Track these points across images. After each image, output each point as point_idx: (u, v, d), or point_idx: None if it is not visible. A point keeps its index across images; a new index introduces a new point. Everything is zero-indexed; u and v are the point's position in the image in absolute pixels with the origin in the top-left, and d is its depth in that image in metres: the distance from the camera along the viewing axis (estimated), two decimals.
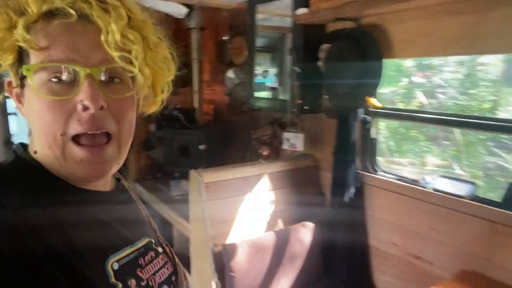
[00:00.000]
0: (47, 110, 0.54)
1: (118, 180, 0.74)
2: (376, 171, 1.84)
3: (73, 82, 0.54)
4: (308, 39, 1.88)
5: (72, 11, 0.53)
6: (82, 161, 0.56)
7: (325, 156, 1.96)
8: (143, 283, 0.62)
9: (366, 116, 1.80)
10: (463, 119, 1.59)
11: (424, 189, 1.60)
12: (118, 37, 0.53)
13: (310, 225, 1.87)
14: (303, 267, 1.78)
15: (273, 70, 2.56)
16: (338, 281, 1.79)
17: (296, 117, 1.96)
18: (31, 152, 0.60)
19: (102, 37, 0.53)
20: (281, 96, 2.17)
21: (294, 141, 1.95)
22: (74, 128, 0.54)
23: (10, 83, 0.61)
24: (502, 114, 2.19)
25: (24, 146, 0.64)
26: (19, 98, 0.59)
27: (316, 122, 1.99)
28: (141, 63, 0.57)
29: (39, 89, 0.53)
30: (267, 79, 2.51)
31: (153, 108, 0.68)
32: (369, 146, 1.85)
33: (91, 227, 0.58)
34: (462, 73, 2.52)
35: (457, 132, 2.50)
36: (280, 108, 2.08)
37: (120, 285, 0.57)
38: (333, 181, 1.87)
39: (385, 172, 1.82)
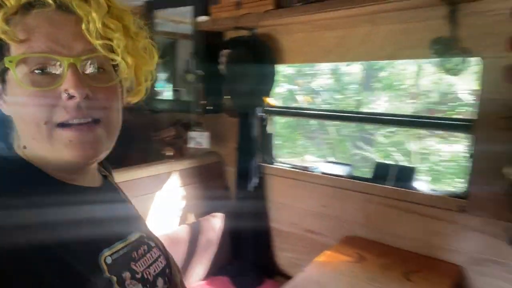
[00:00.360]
0: (31, 101, 0.53)
1: (105, 177, 0.74)
2: (273, 162, 2.09)
3: (56, 73, 0.54)
4: (209, 44, 2.04)
5: (50, 1, 0.53)
6: (71, 142, 0.55)
7: (229, 152, 2.15)
8: (138, 276, 0.62)
9: (263, 114, 2.04)
10: (337, 114, 1.97)
11: (314, 173, 1.91)
12: (99, 25, 0.53)
13: (219, 215, 2.02)
14: (215, 254, 1.93)
15: (163, 75, 2.62)
16: (247, 262, 1.98)
17: (200, 117, 2.09)
18: (19, 149, 0.59)
19: (83, 26, 0.53)
20: (184, 98, 2.28)
21: (199, 139, 2.08)
22: (60, 117, 0.54)
23: None
24: (364, 110, 2.76)
25: (8, 144, 0.62)
26: (0, 94, 0.57)
27: (219, 121, 2.16)
28: (123, 52, 0.57)
29: (22, 81, 0.52)
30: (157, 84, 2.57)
31: (137, 98, 0.68)
32: (267, 140, 2.09)
33: (82, 223, 0.58)
34: (333, 79, 3.04)
35: (331, 131, 3.00)
36: (183, 109, 2.18)
37: (114, 278, 0.56)
38: (237, 174, 2.06)
39: (281, 162, 2.09)
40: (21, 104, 0.54)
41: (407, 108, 2.75)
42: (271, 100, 1.96)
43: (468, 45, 1.34)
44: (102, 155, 0.60)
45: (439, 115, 2.42)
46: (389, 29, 1.54)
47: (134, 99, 0.67)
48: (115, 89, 0.60)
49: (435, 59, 1.41)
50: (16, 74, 0.52)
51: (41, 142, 0.55)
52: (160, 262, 0.70)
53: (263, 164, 2.07)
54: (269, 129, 2.09)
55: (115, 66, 0.59)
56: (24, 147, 0.58)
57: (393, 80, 2.78)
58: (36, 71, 0.53)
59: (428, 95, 2.58)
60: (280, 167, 2.04)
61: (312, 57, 1.86)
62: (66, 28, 0.54)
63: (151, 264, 0.67)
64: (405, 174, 1.67)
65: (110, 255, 0.58)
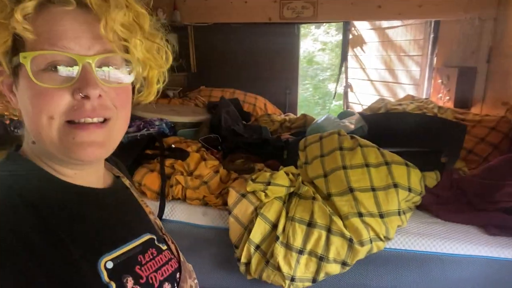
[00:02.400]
0: (43, 97, 0.52)
1: (118, 177, 0.72)
2: None
3: (71, 71, 0.53)
4: None
5: None
6: (78, 140, 0.54)
7: None
8: (142, 281, 0.59)
9: None
10: None
11: None
12: (117, 26, 0.53)
13: None
14: None
15: None
16: None
17: None
18: (28, 144, 0.59)
19: (101, 26, 0.52)
20: None
21: None
22: (72, 115, 0.53)
23: (1, 72, 0.57)
24: None
25: (18, 147, 0.61)
26: (10, 88, 0.57)
27: None
28: (138, 53, 0.56)
29: (36, 77, 0.52)
30: None
31: (149, 99, 0.67)
32: None
33: (82, 226, 0.57)
34: None
35: None
36: None
37: (113, 285, 0.54)
38: None
39: None
40: (32, 100, 0.53)
41: None
42: None
43: None
44: (104, 155, 0.59)
45: None
46: None
47: (145, 100, 0.67)
48: (127, 89, 0.60)
49: None
50: (30, 70, 0.52)
51: (49, 138, 0.54)
52: (171, 265, 0.68)
53: None
54: None
55: (129, 66, 0.58)
56: (33, 142, 0.58)
57: None
58: (51, 68, 0.52)
59: None
60: None
61: None
62: (83, 26, 0.53)
63: (159, 268, 0.64)
64: None
65: (112, 259, 0.56)
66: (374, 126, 2.01)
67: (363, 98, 3.56)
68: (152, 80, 0.64)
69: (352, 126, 2.20)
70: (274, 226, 1.35)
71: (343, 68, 3.75)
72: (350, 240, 1.24)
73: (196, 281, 0.76)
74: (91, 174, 0.63)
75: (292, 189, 1.41)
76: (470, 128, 2.01)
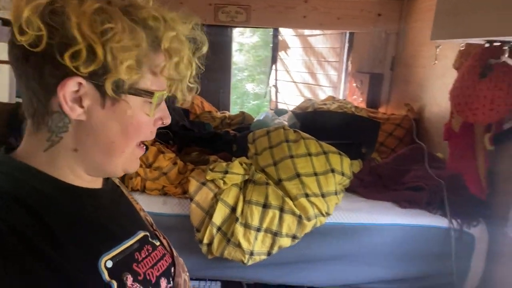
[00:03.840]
0: (146, 126, 0.59)
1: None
2: None
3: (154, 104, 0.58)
4: None
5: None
6: (137, 157, 0.63)
7: None
8: (140, 278, 0.61)
9: None
10: None
11: None
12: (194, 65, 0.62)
13: None
14: None
15: None
16: None
17: None
18: (55, 150, 0.57)
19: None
20: None
21: None
22: (147, 137, 0.61)
23: (82, 84, 0.53)
24: None
25: (6, 149, 0.59)
26: (80, 101, 0.54)
27: None
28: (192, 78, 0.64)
29: (142, 108, 0.57)
30: None
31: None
32: None
33: (82, 227, 0.57)
34: None
35: None
36: None
37: (114, 283, 0.56)
38: None
39: None
40: (129, 127, 0.57)
41: None
42: None
43: None
44: None
45: None
46: None
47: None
48: None
49: None
50: (153, 108, 0.58)
51: (123, 155, 0.60)
52: (165, 261, 0.70)
53: None
54: None
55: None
56: (75, 150, 0.57)
57: None
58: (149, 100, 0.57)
59: None
60: None
61: None
62: None
63: (155, 264, 0.66)
64: None
65: (111, 258, 0.57)
66: (305, 122, 2.30)
67: (288, 98, 3.90)
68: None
69: (286, 123, 2.48)
70: (233, 209, 1.53)
71: (272, 70, 4.06)
72: (300, 217, 1.48)
73: (187, 273, 0.79)
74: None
75: (247, 177, 1.61)
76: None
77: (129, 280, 0.58)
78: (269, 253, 1.50)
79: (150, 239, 0.68)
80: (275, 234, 1.48)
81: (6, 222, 0.48)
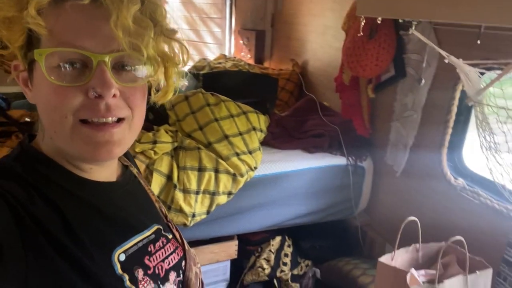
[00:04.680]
0: (57, 95, 0.51)
1: (126, 167, 0.71)
2: None
3: (85, 68, 0.51)
4: None
5: None
6: (91, 140, 0.53)
7: None
8: (149, 271, 0.61)
9: None
10: None
11: None
12: (129, 23, 0.50)
13: None
14: None
15: None
16: None
17: None
18: (45, 139, 0.58)
19: (111, 22, 0.49)
20: None
21: None
22: (84, 114, 0.52)
23: (17, 66, 0.56)
24: None
25: (30, 137, 0.60)
26: (26, 82, 0.56)
27: None
28: (151, 52, 0.53)
29: (50, 74, 0.50)
30: None
31: (165, 98, 0.64)
32: None
33: (97, 220, 0.57)
34: None
35: None
36: None
37: (126, 277, 0.56)
38: None
39: None
40: (46, 96, 0.52)
41: None
42: None
43: None
44: (120, 153, 0.58)
45: None
46: None
47: (161, 100, 0.64)
48: (142, 89, 0.58)
49: None
50: (44, 67, 0.50)
51: (62, 135, 0.54)
52: (177, 254, 0.69)
53: None
54: None
55: (144, 65, 0.56)
56: (51, 138, 0.57)
57: None
58: (65, 65, 0.51)
59: None
60: None
61: None
62: (97, 23, 0.51)
63: (166, 258, 0.66)
64: None
65: (124, 251, 0.57)
66: (208, 83, 2.36)
67: None
68: (168, 79, 0.62)
69: (186, 83, 2.49)
70: (168, 177, 1.56)
71: None
72: (234, 175, 1.61)
73: (199, 265, 0.78)
74: (105, 169, 0.63)
75: (176, 144, 1.64)
76: None
77: (140, 273, 0.58)
78: (208, 212, 1.61)
79: (163, 232, 0.68)
80: (213, 194, 1.59)
81: (27, 210, 0.49)
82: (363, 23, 1.29)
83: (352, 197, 1.95)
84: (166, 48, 0.58)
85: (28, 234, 0.48)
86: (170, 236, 0.70)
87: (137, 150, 1.55)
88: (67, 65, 0.51)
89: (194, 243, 1.77)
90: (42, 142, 0.59)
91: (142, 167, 1.54)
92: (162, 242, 0.67)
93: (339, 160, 1.92)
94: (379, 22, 1.49)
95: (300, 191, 1.86)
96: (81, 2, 0.49)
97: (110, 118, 0.54)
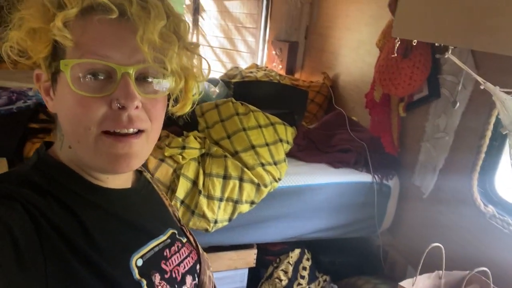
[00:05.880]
0: (81, 106, 0.52)
1: (140, 173, 0.72)
2: None
3: (109, 80, 0.52)
4: None
5: (113, 7, 0.50)
6: (111, 152, 0.54)
7: None
8: (166, 276, 0.61)
9: None
10: None
11: None
12: (155, 38, 0.51)
13: None
14: None
15: None
16: None
17: None
18: (63, 147, 0.59)
19: (138, 37, 0.50)
20: None
21: None
22: (108, 125, 0.53)
23: (39, 76, 0.58)
24: None
25: (47, 144, 0.61)
26: (48, 92, 0.57)
27: None
28: (175, 66, 0.55)
29: (75, 84, 0.51)
30: None
31: (183, 111, 0.66)
32: None
33: (114, 226, 0.58)
34: None
35: None
36: None
37: (144, 281, 0.56)
38: None
39: None
40: (70, 107, 0.53)
41: None
42: None
43: None
44: (139, 164, 0.59)
45: None
46: None
47: (179, 112, 0.66)
48: (163, 101, 0.59)
49: None
50: (70, 77, 0.51)
51: (85, 146, 0.54)
52: (191, 258, 0.70)
53: None
54: None
55: (166, 78, 0.57)
56: (69, 147, 0.58)
57: None
58: (89, 76, 0.52)
59: None
60: None
61: None
62: (123, 35, 0.52)
63: (181, 261, 0.66)
64: None
65: (142, 257, 0.58)
66: (239, 92, 2.40)
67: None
68: (188, 92, 0.63)
69: (218, 91, 2.54)
70: (194, 183, 1.60)
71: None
72: (258, 185, 1.63)
73: (211, 268, 0.78)
74: (121, 177, 0.64)
75: (203, 150, 1.68)
76: None
77: (157, 278, 0.59)
78: (230, 219, 1.63)
79: (178, 236, 0.69)
80: (236, 202, 1.61)
81: (44, 219, 0.50)
82: (398, 44, 1.28)
83: (375, 215, 1.92)
84: (187, 62, 0.59)
85: (47, 241, 0.49)
86: (185, 240, 0.71)
87: (166, 154, 1.59)
88: (91, 76, 0.52)
89: (214, 249, 1.80)
90: (59, 151, 0.60)
91: (170, 171, 1.59)
92: (177, 246, 0.67)
93: (364, 177, 1.90)
94: (414, 44, 1.48)
95: (322, 205, 1.86)
96: (109, 17, 0.50)
97: (131, 129, 0.55)
